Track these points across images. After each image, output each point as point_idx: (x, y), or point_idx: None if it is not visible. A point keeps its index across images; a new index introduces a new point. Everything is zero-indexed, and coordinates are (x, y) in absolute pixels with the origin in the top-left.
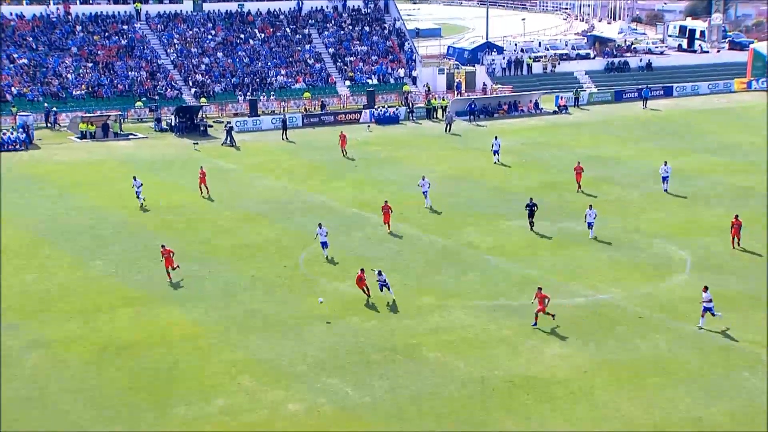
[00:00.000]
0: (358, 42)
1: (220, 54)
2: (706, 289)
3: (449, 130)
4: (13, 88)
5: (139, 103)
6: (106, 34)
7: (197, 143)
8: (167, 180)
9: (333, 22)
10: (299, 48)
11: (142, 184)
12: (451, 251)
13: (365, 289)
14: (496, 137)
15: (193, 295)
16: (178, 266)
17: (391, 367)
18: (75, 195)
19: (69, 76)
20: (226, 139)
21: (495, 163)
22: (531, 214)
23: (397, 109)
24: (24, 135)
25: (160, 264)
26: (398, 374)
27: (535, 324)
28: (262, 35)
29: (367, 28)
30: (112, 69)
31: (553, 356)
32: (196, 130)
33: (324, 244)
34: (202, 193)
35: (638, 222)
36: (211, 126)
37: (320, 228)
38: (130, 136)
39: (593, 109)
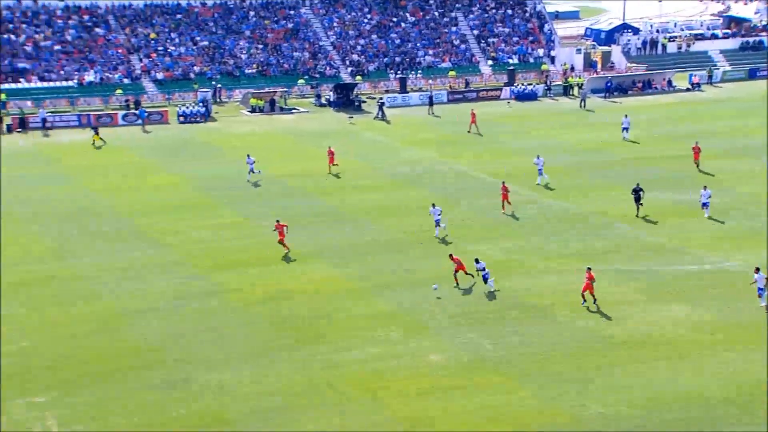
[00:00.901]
0: (500, 24)
1: (374, 36)
2: (757, 270)
3: (584, 106)
4: (195, 68)
5: (301, 81)
6: (275, 18)
7: (352, 117)
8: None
9: (478, 6)
10: (446, 30)
11: (255, 161)
12: (580, 217)
13: (456, 276)
14: (626, 115)
15: (343, 252)
16: (288, 251)
17: (524, 325)
18: (242, 160)
19: (242, 56)
20: (378, 113)
21: (624, 139)
22: (638, 199)
23: (535, 86)
24: (203, 109)
25: (315, 224)
26: (530, 331)
27: (584, 302)
28: (413, 19)
29: (509, 11)
30: (279, 50)
31: (678, 317)
32: (351, 105)
33: (437, 222)
34: (329, 171)
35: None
36: (365, 101)
37: (433, 208)
38: (293, 111)
39: (726, 86)
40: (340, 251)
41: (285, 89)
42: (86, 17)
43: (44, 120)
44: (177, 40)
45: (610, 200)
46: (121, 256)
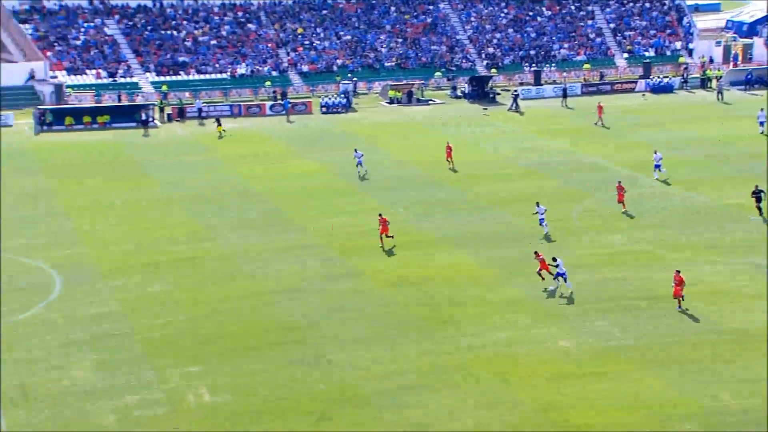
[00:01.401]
0: (638, 17)
1: (510, 30)
2: None
3: (721, 99)
4: (338, 61)
5: (438, 74)
6: (415, 13)
7: (486, 108)
8: (460, 139)
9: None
10: (582, 24)
11: (363, 155)
12: (713, 210)
13: (541, 274)
14: (762, 109)
15: (473, 239)
16: (392, 236)
17: (654, 315)
18: (382, 150)
19: (382, 50)
20: (512, 105)
21: (761, 133)
22: (758, 200)
23: (671, 79)
24: (345, 100)
25: (446, 212)
26: (661, 321)
27: (680, 308)
28: (549, 13)
29: (647, 5)
30: (417, 44)
31: None
32: (485, 97)
33: (541, 221)
34: (449, 165)
35: None
36: (499, 94)
37: (538, 206)
38: (430, 102)
39: None
40: (470, 238)
41: (422, 81)
42: (240, 14)
43: (200, 110)
44: (322, 35)
45: (745, 194)
46: (266, 239)
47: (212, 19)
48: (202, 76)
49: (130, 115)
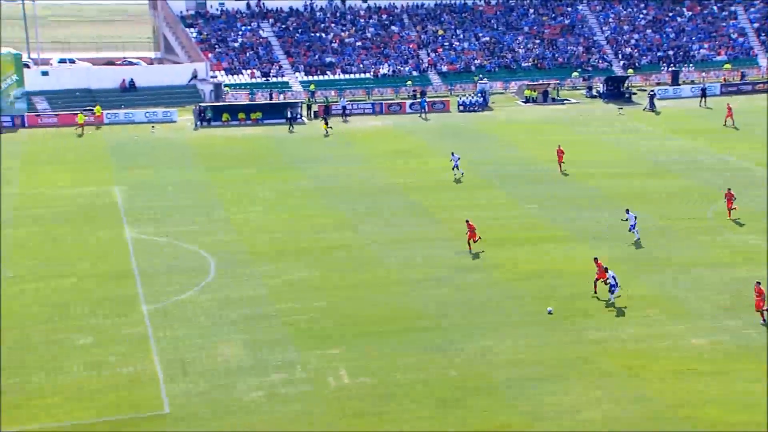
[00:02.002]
0: None
1: (649, 30)
2: None
3: None
4: (476, 61)
5: (575, 74)
6: (553, 15)
7: (622, 108)
8: (590, 138)
9: None
10: (724, 24)
11: (459, 158)
12: None
13: (595, 284)
14: None
15: (603, 235)
16: (480, 238)
17: None
18: (514, 147)
19: (519, 50)
20: (648, 104)
21: None
22: None
23: None
24: (482, 99)
25: (576, 208)
26: None
27: (764, 322)
28: (690, 13)
29: None
30: (554, 45)
31: None
32: (621, 97)
33: (631, 227)
34: (561, 169)
35: None
36: (635, 93)
37: (628, 213)
38: (565, 102)
39: None
40: (601, 234)
41: (558, 81)
42: (384, 17)
43: (344, 108)
44: (461, 36)
45: None
46: (403, 230)
47: (358, 21)
48: (346, 76)
49: (280, 112)
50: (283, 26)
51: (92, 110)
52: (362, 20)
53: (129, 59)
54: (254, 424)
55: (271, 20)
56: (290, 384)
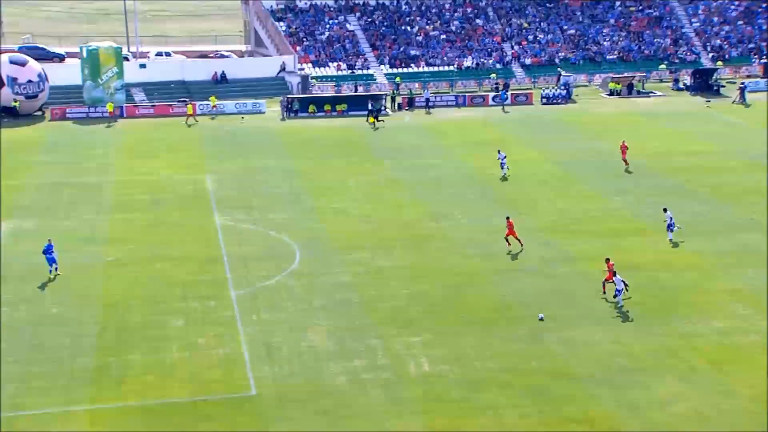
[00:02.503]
0: None
1: (740, 22)
2: None
3: None
4: (560, 54)
5: (662, 66)
6: (640, 7)
7: (709, 101)
8: (676, 131)
9: None
10: None
11: (506, 156)
12: None
13: (605, 284)
14: None
15: (696, 229)
16: (516, 239)
17: None
18: (597, 139)
19: (605, 43)
20: (738, 97)
21: None
22: None
23: None
24: (565, 91)
25: (663, 201)
26: None
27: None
28: None
29: None
30: (641, 37)
31: None
32: (709, 90)
33: (669, 227)
34: (625, 166)
35: None
36: (723, 86)
37: (666, 212)
38: (650, 94)
39: None
40: (691, 228)
41: (644, 74)
42: (469, 10)
43: (427, 100)
44: (546, 29)
45: None
46: (488, 221)
47: (443, 15)
48: (430, 69)
49: (365, 104)
50: (369, 20)
51: (187, 102)
52: (447, 13)
53: (221, 52)
54: (337, 409)
55: (357, 14)
56: (372, 370)
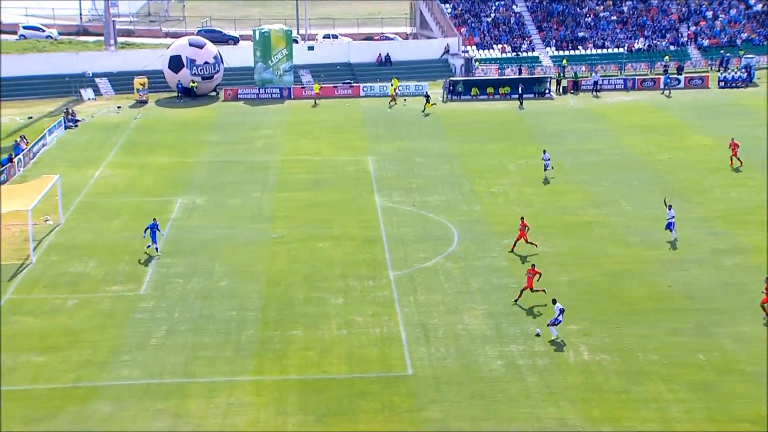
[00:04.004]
0: None
1: None
2: None
3: None
4: (742, 35)
5: None
6: None
7: None
8: None
9: None
10: None
11: (549, 159)
12: None
13: (528, 289)
14: None
15: None
16: (531, 243)
17: None
18: None
19: None
20: None
21: None
22: None
23: None
24: (746, 74)
25: None
26: None
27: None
28: None
29: None
30: None
31: None
32: None
33: (668, 226)
34: (732, 164)
35: None
36: None
37: (669, 210)
38: None
39: None
40: None
41: None
42: None
43: (595, 83)
44: (727, 8)
45: None
46: (653, 208)
47: None
48: (599, 51)
49: (529, 87)
50: (537, 1)
51: (351, 83)
52: None
53: (386, 34)
54: (493, 394)
55: None
56: (529, 356)
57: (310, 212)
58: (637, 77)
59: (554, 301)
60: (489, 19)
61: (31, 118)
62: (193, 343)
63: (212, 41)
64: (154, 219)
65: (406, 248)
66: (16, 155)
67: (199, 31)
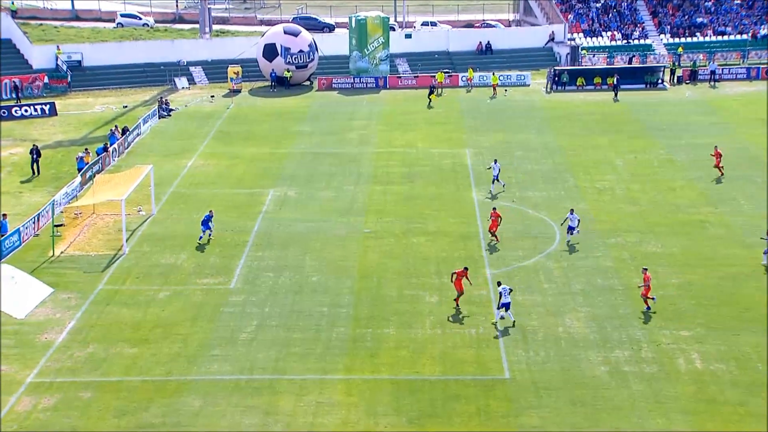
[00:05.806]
0: None
1: None
2: None
3: None
4: None
5: None
6: None
7: None
8: None
9: None
10: None
11: (500, 169)
12: None
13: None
14: None
15: None
16: (495, 235)
17: None
18: None
19: None
20: None
21: None
22: None
23: None
24: None
25: None
26: None
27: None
28: None
29: None
30: None
31: None
32: None
33: (570, 230)
34: (721, 172)
35: None
36: None
37: (571, 214)
38: None
39: None
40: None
41: None
42: None
43: (713, 72)
44: None
45: None
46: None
47: None
48: (719, 38)
49: (639, 76)
50: None
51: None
52: None
53: (487, 22)
54: (596, 401)
55: None
56: (635, 362)
57: (404, 206)
58: (761, 66)
59: (499, 284)
60: (598, 5)
61: (126, 107)
62: (283, 339)
63: (307, 29)
64: (210, 211)
65: (504, 245)
66: (111, 144)
67: (294, 18)
